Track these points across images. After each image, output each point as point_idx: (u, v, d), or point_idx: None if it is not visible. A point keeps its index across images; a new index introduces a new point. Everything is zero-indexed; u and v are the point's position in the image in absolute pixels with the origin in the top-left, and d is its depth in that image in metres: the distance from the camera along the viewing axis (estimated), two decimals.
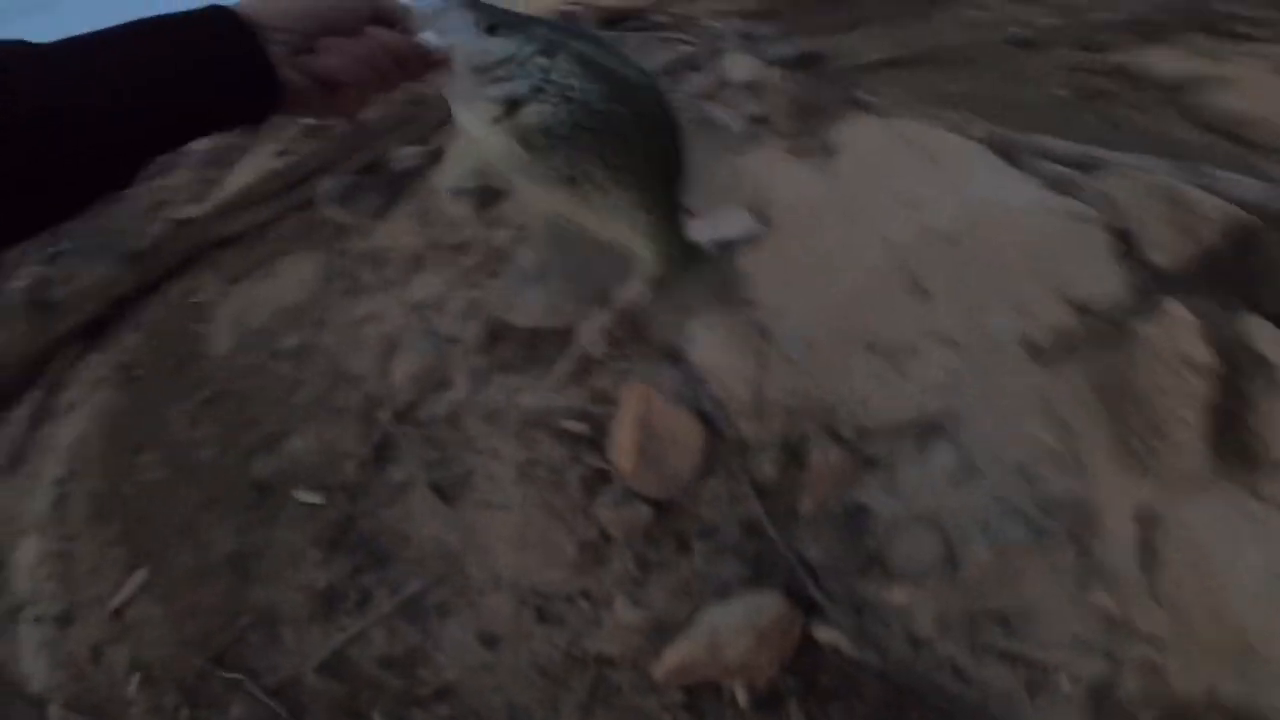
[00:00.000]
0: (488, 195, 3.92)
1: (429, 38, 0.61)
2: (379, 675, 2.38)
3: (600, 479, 2.56)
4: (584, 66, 0.61)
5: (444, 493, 2.75)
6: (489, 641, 2.36)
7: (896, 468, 2.16)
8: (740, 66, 3.62)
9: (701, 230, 2.96)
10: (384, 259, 4.01)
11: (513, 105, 0.59)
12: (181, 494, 3.16)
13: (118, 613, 2.79)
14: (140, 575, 2.84)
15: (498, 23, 0.59)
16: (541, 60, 0.59)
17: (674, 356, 2.65)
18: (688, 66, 3.97)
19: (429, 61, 0.63)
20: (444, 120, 5.13)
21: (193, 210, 6.65)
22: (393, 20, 0.63)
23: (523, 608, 2.38)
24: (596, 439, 2.67)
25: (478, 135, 0.64)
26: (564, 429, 2.74)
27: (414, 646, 2.40)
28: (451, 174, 0.88)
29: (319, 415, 3.19)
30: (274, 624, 2.60)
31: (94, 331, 5.29)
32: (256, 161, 7.33)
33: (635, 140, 0.62)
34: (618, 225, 0.66)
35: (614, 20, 5.52)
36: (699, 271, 0.79)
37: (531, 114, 0.59)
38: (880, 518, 2.12)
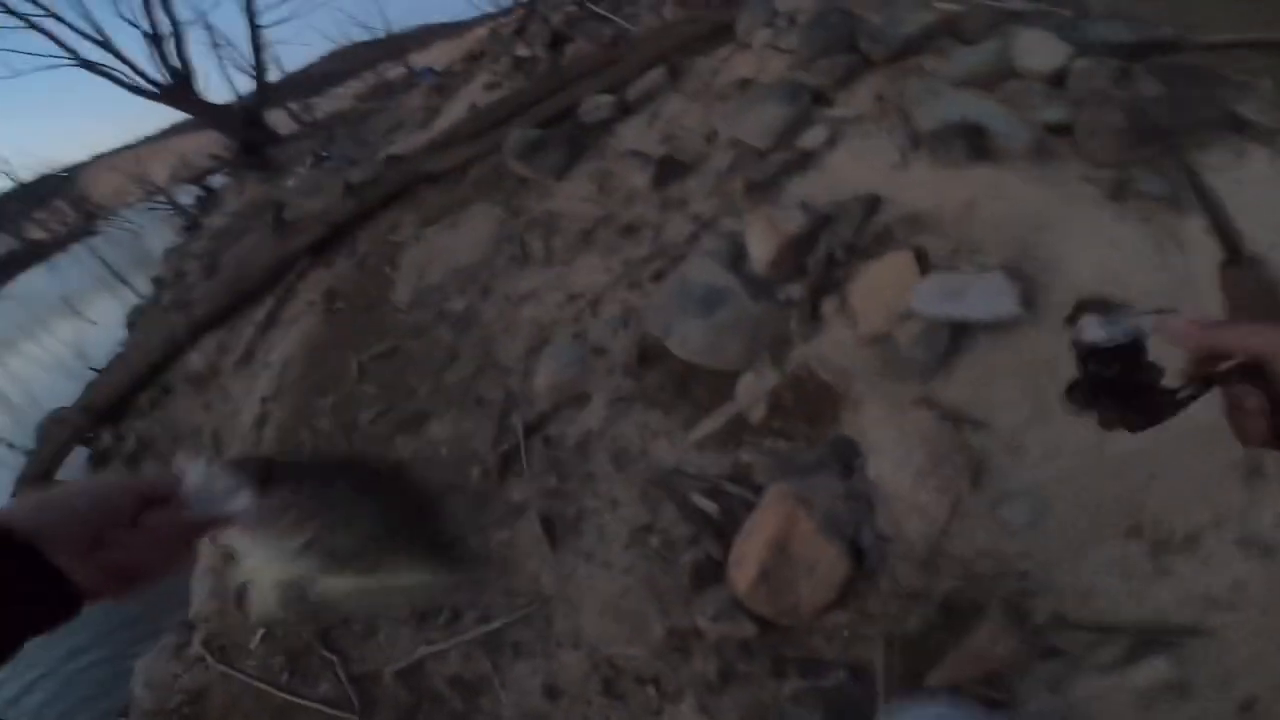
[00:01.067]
0: (669, 167, 3.45)
1: (204, 507, 0.58)
2: (445, 693, 2.32)
3: (712, 572, 2.10)
4: (351, 483, 0.65)
5: (553, 530, 2.53)
6: (551, 694, 2.18)
7: (1079, 667, 1.53)
8: (1038, 50, 2.45)
9: (941, 296, 2.10)
10: (555, 226, 3.73)
11: (308, 544, 0.61)
12: (338, 452, 3.30)
13: None
14: None
15: (267, 478, 0.60)
16: (319, 493, 0.62)
17: (844, 461, 2.08)
18: (953, 36, 2.89)
19: (213, 525, 0.60)
20: (644, 67, 4.66)
21: (414, 142, 6.93)
22: (164, 497, 0.58)
23: (593, 673, 2.15)
24: (723, 526, 2.21)
25: (277, 573, 0.64)
26: (692, 503, 2.36)
27: (484, 675, 2.29)
28: (260, 611, 0.68)
29: (463, 402, 3.08)
30: (375, 617, 2.65)
31: (320, 249, 5.79)
32: (470, 92, 7.42)
33: (411, 521, 0.69)
34: (420, 576, 0.70)
35: None
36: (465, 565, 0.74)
37: (326, 545, 0.62)
38: (1023, 712, 1.54)
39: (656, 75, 4.39)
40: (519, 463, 2.76)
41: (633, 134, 4.09)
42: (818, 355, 2.43)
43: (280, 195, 7.79)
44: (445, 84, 8.59)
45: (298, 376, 4.20)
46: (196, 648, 2.86)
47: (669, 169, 3.36)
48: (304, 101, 15.45)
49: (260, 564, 0.63)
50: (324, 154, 9.80)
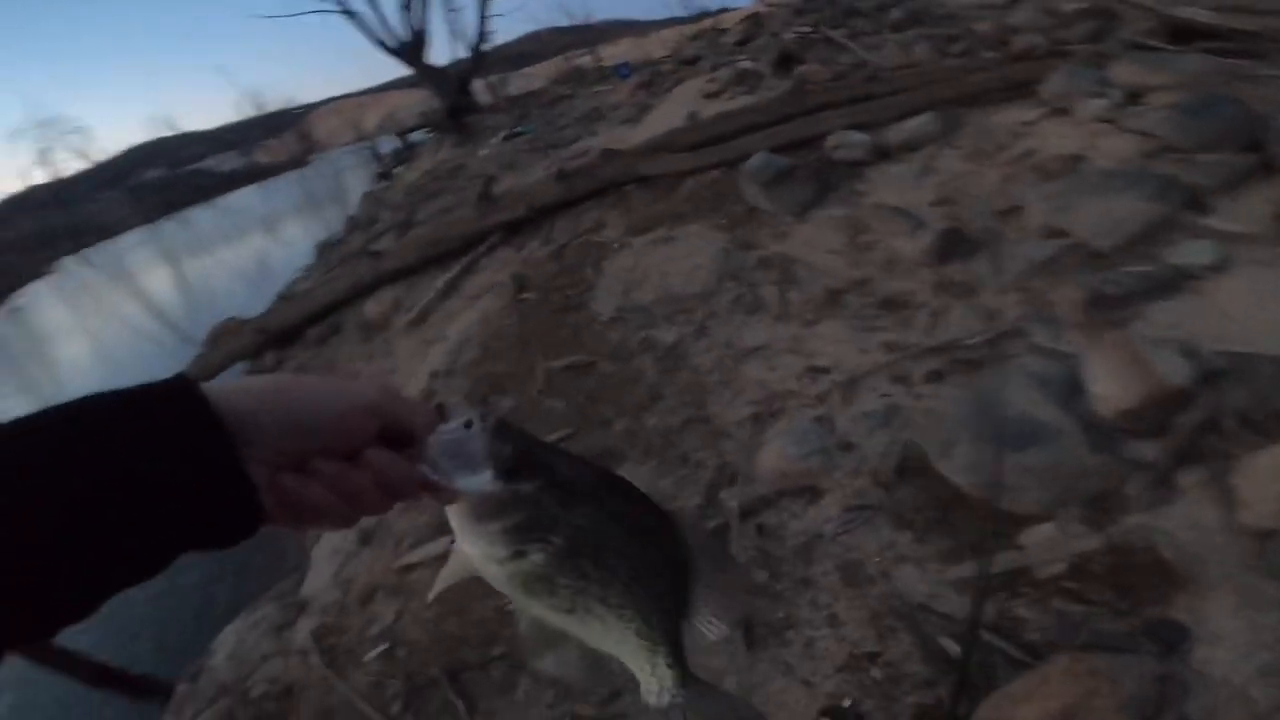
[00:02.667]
0: (954, 240, 2.85)
1: (440, 468, 0.45)
2: None
3: None
4: (598, 513, 0.49)
5: (751, 630, 2.11)
6: None
7: None
8: None
9: None
10: (793, 275, 3.25)
11: (514, 556, 0.48)
12: None
13: (406, 569, 2.70)
14: (439, 545, 2.71)
15: (520, 465, 0.46)
16: (557, 511, 0.47)
17: (1167, 643, 1.55)
18: None
19: (436, 493, 0.46)
20: (908, 111, 4.06)
21: (621, 136, 6.64)
22: (404, 436, 0.45)
23: None
24: (974, 679, 1.76)
25: (476, 564, 0.50)
26: (937, 644, 1.84)
27: None
28: (441, 583, 0.48)
29: (665, 454, 2.67)
30: (518, 669, 2.29)
31: (516, 229, 5.60)
32: (684, 95, 7.02)
33: (640, 583, 0.51)
34: (616, 648, 0.53)
35: (1185, 36, 3.71)
36: (702, 705, 0.55)
37: (538, 561, 0.48)
38: None
39: (923, 123, 3.79)
40: (726, 547, 2.32)
41: (892, 186, 3.52)
42: (1163, 530, 1.84)
43: (479, 165, 7.76)
44: (652, 82, 8.26)
45: (473, 361, 3.96)
46: (303, 637, 2.59)
47: (952, 242, 2.78)
48: (501, 76, 15.80)
49: (462, 548, 0.51)
50: (518, 130, 9.81)
